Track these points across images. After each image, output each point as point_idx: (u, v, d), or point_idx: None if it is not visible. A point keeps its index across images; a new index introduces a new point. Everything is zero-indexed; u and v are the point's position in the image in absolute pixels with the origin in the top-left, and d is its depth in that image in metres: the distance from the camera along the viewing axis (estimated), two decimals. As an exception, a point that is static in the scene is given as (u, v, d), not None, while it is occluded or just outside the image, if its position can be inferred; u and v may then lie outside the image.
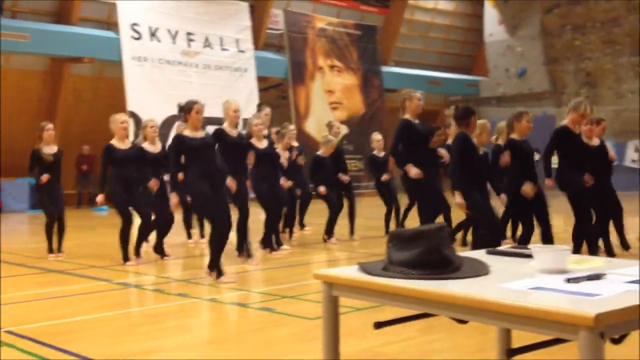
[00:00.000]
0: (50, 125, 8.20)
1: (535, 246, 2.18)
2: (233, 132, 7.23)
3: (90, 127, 16.91)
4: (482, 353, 3.81)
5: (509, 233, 7.92)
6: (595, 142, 7.43)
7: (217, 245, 6.27)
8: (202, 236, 9.24)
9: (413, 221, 8.65)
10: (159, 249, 7.96)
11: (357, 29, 21.72)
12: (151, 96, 16.17)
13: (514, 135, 6.63)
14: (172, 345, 4.25)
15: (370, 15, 22.65)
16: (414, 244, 2.08)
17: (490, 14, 24.41)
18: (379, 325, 2.25)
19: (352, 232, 9.58)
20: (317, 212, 10.98)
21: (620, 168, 8.13)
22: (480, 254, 2.45)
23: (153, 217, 7.78)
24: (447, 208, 8.02)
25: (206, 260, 6.61)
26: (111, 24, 17.02)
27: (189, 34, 17.57)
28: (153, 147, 7.95)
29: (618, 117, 20.75)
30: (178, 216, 8.42)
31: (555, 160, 6.98)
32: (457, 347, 4.07)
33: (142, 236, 7.77)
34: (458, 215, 7.71)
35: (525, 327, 1.72)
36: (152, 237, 8.25)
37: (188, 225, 9.34)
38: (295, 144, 9.67)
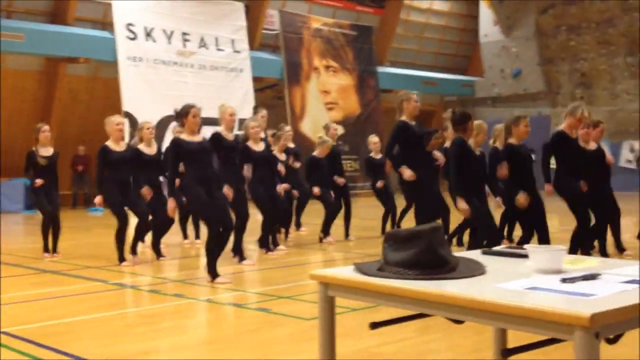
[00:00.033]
0: (46, 127, 8.19)
1: (531, 246, 2.19)
2: (229, 136, 7.23)
3: (86, 128, 16.90)
4: (478, 353, 3.82)
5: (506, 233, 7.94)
6: (592, 146, 7.39)
7: (213, 248, 6.28)
8: (198, 237, 9.24)
9: (410, 223, 8.66)
10: (155, 248, 7.95)
11: (352, 29, 21.73)
12: (146, 96, 16.16)
13: (511, 140, 6.62)
14: (168, 345, 4.25)
15: (366, 15, 22.66)
16: (410, 244, 2.09)
17: (486, 15, 24.46)
18: (374, 325, 2.26)
19: (347, 234, 9.57)
20: (313, 213, 10.99)
21: (615, 169, 8.13)
22: (476, 254, 2.46)
23: (150, 218, 7.78)
24: (446, 211, 8.02)
25: (202, 260, 6.61)
26: (106, 24, 17.00)
27: (184, 34, 17.55)
28: (149, 148, 7.95)
29: (613, 117, 20.81)
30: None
31: (552, 162, 7.00)
32: (454, 347, 4.08)
33: (139, 235, 7.76)
34: (457, 218, 7.70)
35: (521, 327, 1.73)
36: (149, 237, 8.24)
37: (184, 226, 9.34)
38: (292, 145, 9.67)
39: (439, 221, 7.92)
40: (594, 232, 7.08)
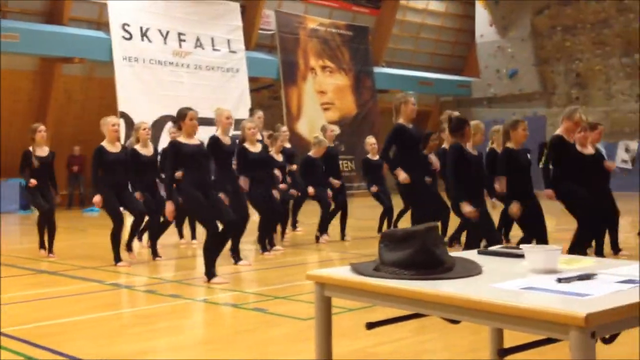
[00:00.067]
0: (42, 127, 8.20)
1: (527, 246, 2.19)
2: (226, 140, 7.20)
3: (81, 128, 16.88)
4: (474, 353, 3.83)
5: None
6: (590, 150, 7.33)
7: (211, 249, 6.28)
8: (194, 237, 9.23)
9: (407, 224, 8.66)
10: (152, 249, 7.94)
11: (348, 29, 21.74)
12: (142, 97, 16.14)
13: (510, 145, 6.60)
14: (165, 346, 4.24)
15: (362, 16, 22.68)
16: (405, 244, 2.09)
17: (481, 15, 24.49)
18: (371, 325, 2.26)
19: (343, 235, 9.57)
20: (309, 213, 10.99)
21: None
22: (472, 254, 2.46)
23: (147, 218, 7.79)
24: (446, 211, 8.02)
25: (198, 261, 6.61)
26: (102, 24, 16.97)
27: (180, 34, 17.53)
28: (145, 149, 7.94)
29: (608, 117, 20.87)
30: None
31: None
32: (450, 347, 4.09)
33: (134, 233, 7.77)
34: (456, 220, 7.69)
35: (517, 327, 1.73)
36: (145, 237, 8.23)
37: (180, 226, 9.33)
38: (288, 145, 9.67)
39: (438, 223, 7.95)
40: (594, 234, 7.07)
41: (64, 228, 10.16)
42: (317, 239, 9.29)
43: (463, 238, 8.37)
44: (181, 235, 9.39)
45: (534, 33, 23.27)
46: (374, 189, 9.81)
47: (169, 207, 6.43)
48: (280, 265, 7.47)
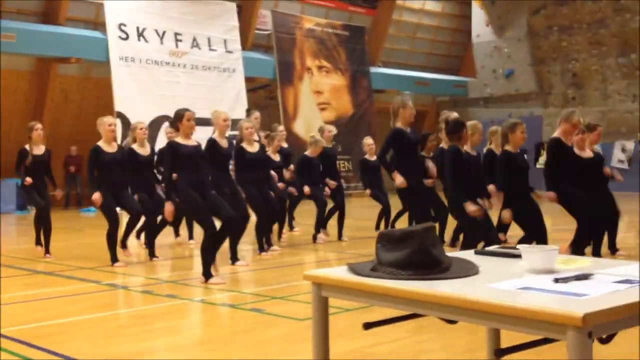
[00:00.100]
0: (39, 125, 8.19)
1: (524, 246, 2.20)
2: (223, 142, 7.19)
3: (78, 128, 16.84)
4: (471, 353, 3.83)
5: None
6: (588, 153, 7.31)
7: (209, 249, 6.28)
8: (191, 237, 9.23)
9: (405, 225, 8.67)
10: (149, 249, 7.93)
11: (345, 29, 21.74)
12: (138, 96, 16.12)
13: (508, 147, 6.60)
14: (162, 346, 4.24)
15: (359, 16, 22.68)
16: (403, 245, 2.09)
17: (478, 15, 24.51)
18: (368, 325, 2.26)
19: (340, 235, 9.57)
20: (305, 213, 10.99)
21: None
22: (469, 254, 2.46)
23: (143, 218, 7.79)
24: (444, 212, 8.03)
25: (195, 261, 6.60)
26: (98, 24, 16.95)
27: (176, 34, 17.52)
28: (143, 149, 7.94)
29: (605, 117, 20.90)
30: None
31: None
32: (447, 347, 4.09)
33: (129, 229, 7.77)
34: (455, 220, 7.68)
35: (514, 327, 1.73)
36: (142, 236, 8.22)
37: (176, 224, 9.32)
38: (285, 145, 9.67)
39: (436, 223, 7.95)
40: (593, 235, 7.07)
41: (60, 228, 10.15)
42: (315, 238, 9.29)
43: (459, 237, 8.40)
44: (177, 234, 9.38)
45: (530, 33, 23.30)
46: (368, 192, 9.84)
47: (168, 207, 6.42)
48: (278, 265, 7.47)
